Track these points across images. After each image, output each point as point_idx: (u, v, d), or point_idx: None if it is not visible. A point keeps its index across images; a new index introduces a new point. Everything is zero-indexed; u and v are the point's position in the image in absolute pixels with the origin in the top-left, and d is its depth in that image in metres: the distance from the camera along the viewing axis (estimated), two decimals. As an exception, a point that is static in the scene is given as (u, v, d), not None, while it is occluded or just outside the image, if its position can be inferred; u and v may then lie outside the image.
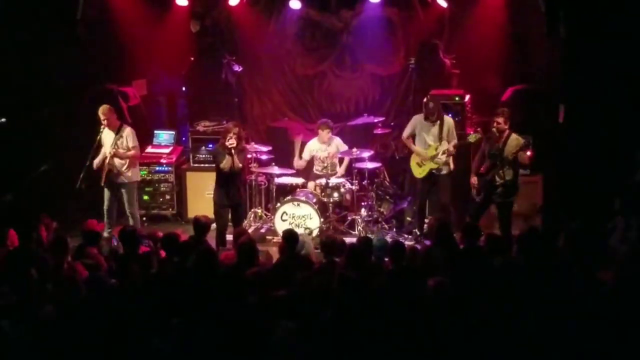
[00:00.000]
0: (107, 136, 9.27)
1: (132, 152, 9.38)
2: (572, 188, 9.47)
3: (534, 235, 6.98)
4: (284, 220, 9.62)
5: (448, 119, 9.38)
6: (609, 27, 9.15)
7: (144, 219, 10.46)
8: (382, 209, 10.23)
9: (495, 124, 8.64)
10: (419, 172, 9.43)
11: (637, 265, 6.69)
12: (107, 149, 9.24)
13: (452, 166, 9.39)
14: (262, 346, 5.16)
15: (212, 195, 9.12)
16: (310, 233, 9.39)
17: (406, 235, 9.72)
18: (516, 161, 8.59)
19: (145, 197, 10.75)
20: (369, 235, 8.64)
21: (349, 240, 7.89)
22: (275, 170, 10.02)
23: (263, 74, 11.51)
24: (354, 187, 10.00)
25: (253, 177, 10.29)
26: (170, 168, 10.85)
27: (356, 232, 9.73)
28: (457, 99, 10.17)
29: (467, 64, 10.69)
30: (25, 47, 9.99)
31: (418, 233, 9.56)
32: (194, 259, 6.64)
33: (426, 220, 9.34)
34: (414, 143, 9.43)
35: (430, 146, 9.26)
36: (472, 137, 9.01)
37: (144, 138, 10.67)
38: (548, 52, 10.00)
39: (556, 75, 9.88)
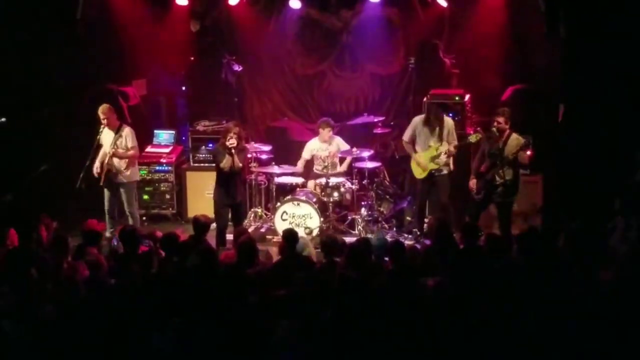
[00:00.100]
0: (106, 136, 9.28)
1: (131, 152, 9.40)
2: (572, 188, 9.47)
3: (534, 235, 6.98)
4: (284, 220, 9.63)
5: (448, 120, 9.38)
6: (609, 27, 9.15)
7: (144, 218, 10.46)
8: (382, 209, 10.23)
9: (495, 124, 8.64)
10: (419, 172, 9.43)
11: (637, 265, 6.68)
12: (106, 148, 9.25)
13: (452, 167, 9.40)
14: (262, 346, 5.16)
15: (212, 195, 9.13)
16: (310, 232, 9.40)
17: (406, 235, 9.71)
18: (516, 161, 8.59)
19: (145, 197, 10.75)
20: (369, 235, 8.64)
21: (349, 239, 7.89)
22: (275, 169, 10.03)
23: (263, 73, 11.51)
24: (354, 187, 10.00)
25: (253, 176, 10.30)
26: (170, 168, 10.85)
27: (356, 232, 9.73)
28: (457, 98, 10.17)
29: (467, 64, 10.69)
30: (25, 47, 9.98)
31: (418, 233, 9.56)
32: (194, 258, 6.65)
33: (426, 220, 9.35)
34: (414, 145, 9.44)
35: (431, 147, 9.27)
36: (473, 138, 9.01)
37: (144, 138, 10.68)
38: (548, 52, 10.00)
39: (556, 75, 9.88)
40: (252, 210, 10.31)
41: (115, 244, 8.63)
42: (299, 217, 9.61)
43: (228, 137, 8.70)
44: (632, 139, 8.91)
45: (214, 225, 8.71)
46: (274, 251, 7.98)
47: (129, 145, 9.35)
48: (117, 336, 5.36)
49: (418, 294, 5.77)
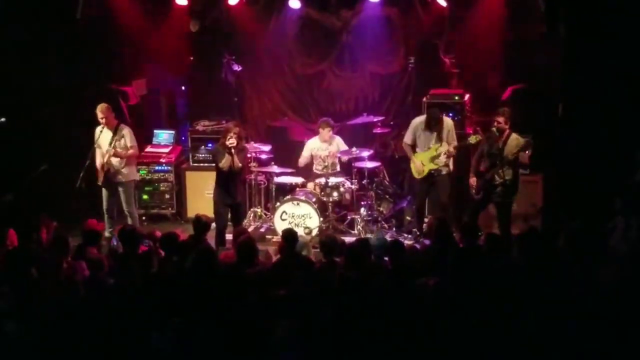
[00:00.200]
0: (104, 135, 9.28)
1: (130, 152, 9.40)
2: (572, 188, 9.46)
3: (534, 235, 6.98)
4: (283, 220, 9.63)
5: (447, 120, 9.38)
6: (609, 27, 9.14)
7: (144, 218, 10.46)
8: (381, 208, 10.23)
9: (495, 124, 8.64)
10: (417, 173, 9.42)
11: (637, 265, 6.68)
12: (104, 148, 9.25)
13: (451, 167, 9.40)
14: (262, 346, 5.16)
15: (211, 195, 9.13)
16: (310, 232, 9.40)
17: (406, 235, 9.72)
18: (516, 161, 8.58)
19: (145, 197, 10.75)
20: (369, 235, 8.63)
21: (348, 239, 7.89)
22: (275, 169, 10.03)
23: (263, 73, 11.49)
24: (353, 187, 10.00)
25: (253, 176, 10.30)
26: (169, 167, 10.85)
27: (356, 232, 9.73)
28: (456, 98, 10.18)
29: (467, 64, 10.69)
30: (25, 47, 9.98)
31: (417, 233, 9.56)
32: (194, 258, 6.65)
33: (425, 220, 9.35)
34: (414, 147, 9.44)
35: (431, 148, 9.27)
36: (473, 139, 9.02)
37: (144, 138, 10.68)
38: (548, 52, 9.99)
39: (556, 75, 9.87)
40: (252, 210, 10.32)
41: (115, 243, 8.64)
42: (299, 217, 9.61)
43: (228, 137, 8.70)
44: (632, 139, 8.89)
45: (213, 225, 8.71)
46: (273, 251, 7.98)
47: (129, 144, 9.35)
48: (116, 336, 5.36)
49: (418, 294, 5.77)
